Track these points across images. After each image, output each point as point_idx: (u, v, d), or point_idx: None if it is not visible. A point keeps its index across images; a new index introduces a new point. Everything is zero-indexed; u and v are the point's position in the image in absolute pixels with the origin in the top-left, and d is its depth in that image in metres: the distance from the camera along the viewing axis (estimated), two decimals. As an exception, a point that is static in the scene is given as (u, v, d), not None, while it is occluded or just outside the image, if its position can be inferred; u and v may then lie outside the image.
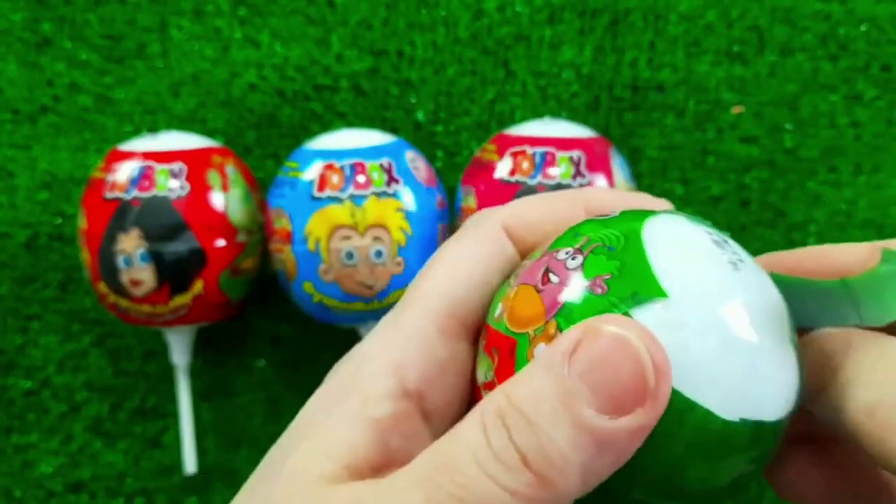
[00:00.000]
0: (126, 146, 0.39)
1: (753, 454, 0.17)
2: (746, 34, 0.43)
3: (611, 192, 0.22)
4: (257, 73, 0.44)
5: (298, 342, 0.45)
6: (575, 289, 0.18)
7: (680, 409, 0.17)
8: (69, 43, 0.45)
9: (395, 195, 0.37)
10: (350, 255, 0.37)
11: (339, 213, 0.37)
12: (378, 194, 0.37)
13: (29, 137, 0.45)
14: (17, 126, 0.45)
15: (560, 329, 0.18)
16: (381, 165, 0.38)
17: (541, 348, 0.18)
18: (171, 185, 0.37)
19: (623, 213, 0.20)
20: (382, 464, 0.19)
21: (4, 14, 0.45)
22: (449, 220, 0.40)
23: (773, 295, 0.18)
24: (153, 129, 0.44)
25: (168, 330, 0.40)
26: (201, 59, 0.44)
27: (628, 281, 0.18)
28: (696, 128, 0.44)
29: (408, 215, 0.37)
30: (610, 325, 0.17)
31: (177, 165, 0.38)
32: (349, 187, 0.37)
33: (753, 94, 0.43)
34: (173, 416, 0.45)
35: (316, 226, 0.37)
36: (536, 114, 0.44)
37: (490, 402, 0.17)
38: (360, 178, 0.37)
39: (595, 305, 0.18)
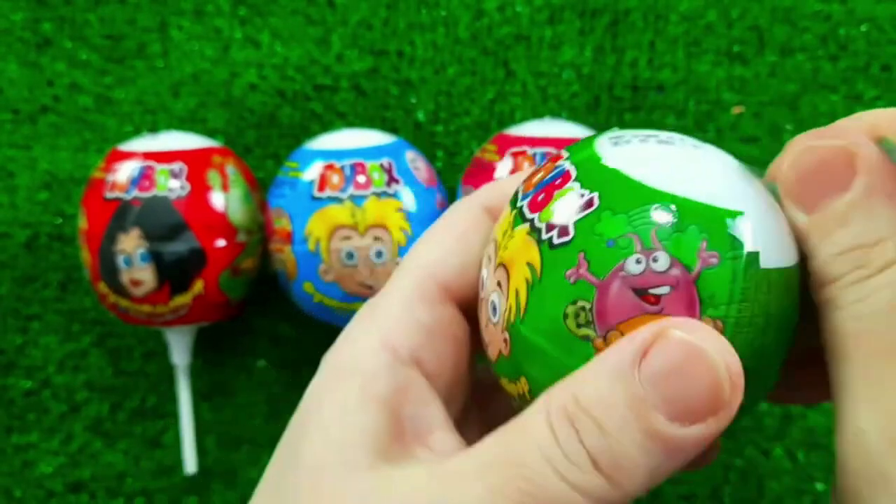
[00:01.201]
0: (126, 146, 0.39)
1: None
2: (746, 34, 0.43)
3: None
4: (257, 73, 0.44)
5: (298, 342, 0.45)
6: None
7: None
8: (69, 43, 0.45)
9: (395, 195, 0.37)
10: (350, 256, 0.37)
11: (339, 213, 0.37)
12: (378, 194, 0.37)
13: (29, 137, 0.45)
14: (17, 126, 0.45)
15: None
16: (382, 165, 0.38)
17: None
18: (172, 185, 0.37)
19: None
20: (401, 434, 0.20)
21: (4, 14, 0.45)
22: (449, 220, 0.40)
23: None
24: (153, 129, 0.44)
25: (168, 330, 0.40)
26: (201, 59, 0.44)
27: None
28: (696, 128, 0.44)
29: (408, 215, 0.37)
30: (686, 330, 0.17)
31: (177, 165, 0.38)
32: (349, 187, 0.37)
33: (753, 94, 0.43)
34: (173, 416, 0.45)
35: (316, 226, 0.37)
36: (536, 114, 0.44)
37: (556, 400, 0.18)
38: (361, 179, 0.37)
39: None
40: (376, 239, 0.37)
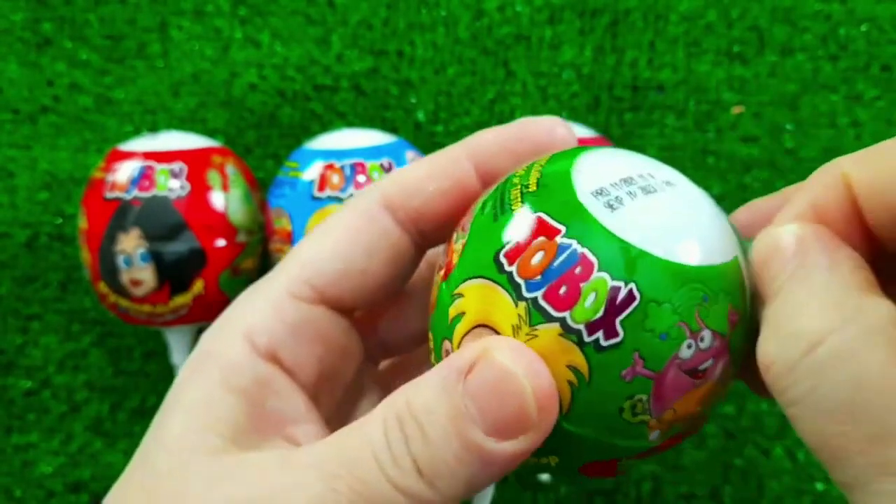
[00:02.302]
0: (126, 146, 0.39)
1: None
2: (746, 34, 0.43)
3: (493, 131, 0.22)
4: (257, 73, 0.44)
5: (298, 342, 0.45)
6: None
7: None
8: (69, 43, 0.45)
9: (395, 195, 0.37)
10: (350, 255, 0.37)
11: (339, 213, 0.37)
12: (378, 194, 0.37)
13: (29, 137, 0.45)
14: (17, 126, 0.45)
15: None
16: (382, 165, 0.38)
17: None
18: (172, 185, 0.37)
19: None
20: (260, 424, 0.21)
21: (4, 14, 0.45)
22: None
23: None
24: (153, 129, 0.44)
25: (168, 330, 0.40)
26: (201, 59, 0.44)
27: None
28: (696, 128, 0.44)
29: (408, 215, 0.37)
30: (503, 353, 0.17)
31: (177, 165, 0.38)
32: (349, 187, 0.37)
33: (753, 94, 0.43)
34: (173, 416, 0.45)
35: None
36: (536, 114, 0.44)
37: (392, 403, 0.19)
38: (361, 178, 0.37)
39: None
40: (376, 239, 0.37)
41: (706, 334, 0.17)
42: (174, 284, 0.38)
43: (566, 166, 0.19)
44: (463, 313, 0.19)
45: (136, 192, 0.37)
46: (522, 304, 0.18)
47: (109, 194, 0.38)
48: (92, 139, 0.45)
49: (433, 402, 0.18)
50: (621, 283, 0.17)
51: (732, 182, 0.44)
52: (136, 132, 0.44)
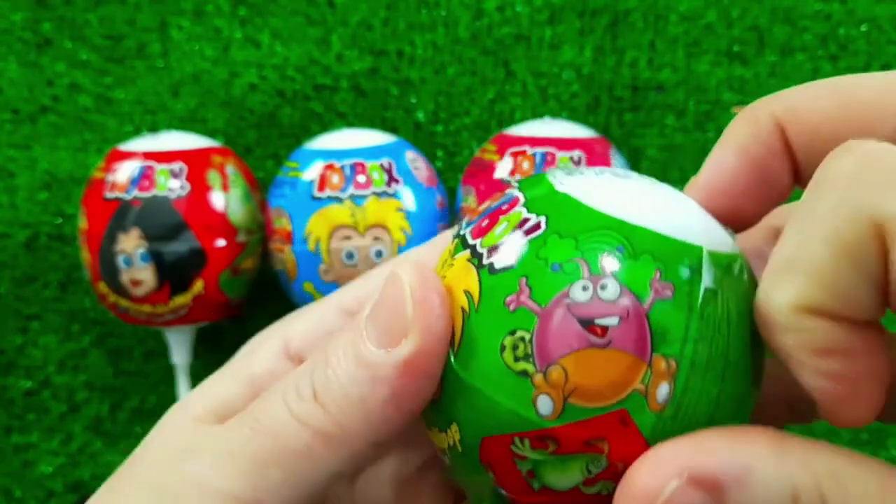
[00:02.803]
0: (126, 146, 0.39)
1: None
2: (746, 34, 0.43)
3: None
4: (257, 73, 0.44)
5: (298, 342, 0.45)
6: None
7: None
8: (69, 43, 0.45)
9: (395, 195, 0.37)
10: (350, 255, 0.37)
11: (339, 213, 0.37)
12: (378, 194, 0.37)
13: (29, 137, 0.45)
14: (17, 126, 0.45)
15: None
16: (382, 165, 0.38)
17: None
18: (172, 185, 0.37)
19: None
20: None
21: (4, 14, 0.45)
22: (449, 220, 0.41)
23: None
24: (153, 129, 0.44)
25: (168, 330, 0.40)
26: (201, 59, 0.44)
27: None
28: (696, 128, 0.44)
29: (408, 215, 0.37)
30: (402, 268, 0.18)
31: (177, 165, 0.38)
32: (349, 187, 0.37)
33: (753, 94, 0.43)
34: (173, 416, 0.45)
35: (316, 226, 0.37)
36: (536, 114, 0.44)
37: (312, 353, 0.20)
38: (361, 178, 0.37)
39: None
40: (376, 239, 0.37)
41: (610, 284, 0.16)
42: (174, 284, 0.38)
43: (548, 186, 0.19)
44: None
45: (136, 192, 0.37)
46: (456, 241, 0.18)
47: (109, 194, 0.38)
48: (92, 139, 0.45)
49: (342, 335, 0.18)
50: (533, 215, 0.17)
51: (732, 182, 0.44)
52: (136, 132, 0.44)
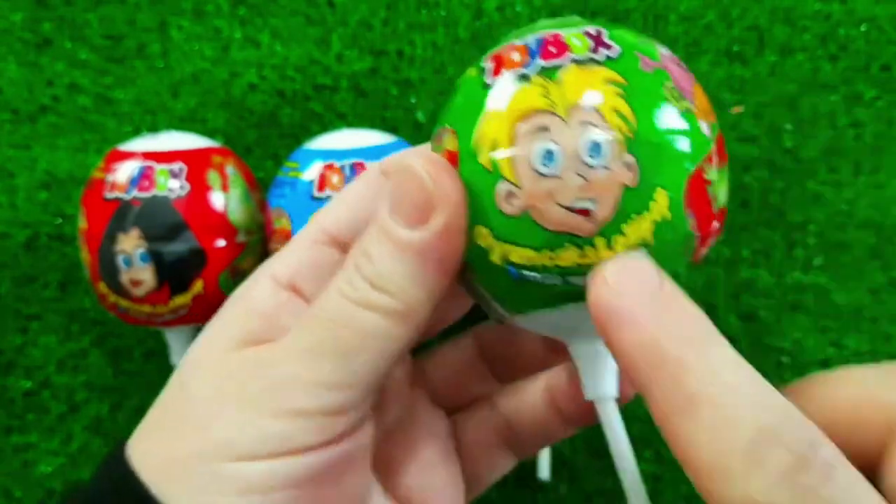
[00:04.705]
0: (126, 146, 0.39)
1: None
2: (746, 34, 0.43)
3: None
4: (257, 73, 0.44)
5: (298, 342, 0.45)
6: None
7: None
8: (69, 43, 0.45)
9: (395, 195, 0.37)
10: (350, 255, 0.37)
11: (339, 213, 0.37)
12: (378, 194, 0.37)
13: (29, 137, 0.45)
14: (17, 126, 0.45)
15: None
16: (381, 165, 0.38)
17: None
18: (171, 185, 0.37)
19: None
20: (277, 335, 0.23)
21: (4, 14, 0.45)
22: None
23: None
24: (153, 129, 0.44)
25: (168, 330, 0.40)
26: (201, 59, 0.44)
27: None
28: (695, 128, 0.44)
29: (408, 215, 0.37)
30: (411, 159, 0.21)
31: (177, 165, 0.38)
32: (349, 187, 0.37)
33: (753, 94, 0.43)
34: (173, 416, 0.45)
35: (316, 226, 0.37)
36: (536, 114, 0.44)
37: (349, 258, 0.22)
38: (360, 178, 0.37)
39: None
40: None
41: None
42: (174, 284, 0.38)
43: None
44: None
45: (135, 193, 0.37)
46: (539, 76, 0.22)
47: (109, 194, 0.38)
48: (92, 139, 0.45)
49: (370, 234, 0.21)
50: (590, 27, 0.23)
51: (732, 182, 0.44)
52: (136, 132, 0.44)
